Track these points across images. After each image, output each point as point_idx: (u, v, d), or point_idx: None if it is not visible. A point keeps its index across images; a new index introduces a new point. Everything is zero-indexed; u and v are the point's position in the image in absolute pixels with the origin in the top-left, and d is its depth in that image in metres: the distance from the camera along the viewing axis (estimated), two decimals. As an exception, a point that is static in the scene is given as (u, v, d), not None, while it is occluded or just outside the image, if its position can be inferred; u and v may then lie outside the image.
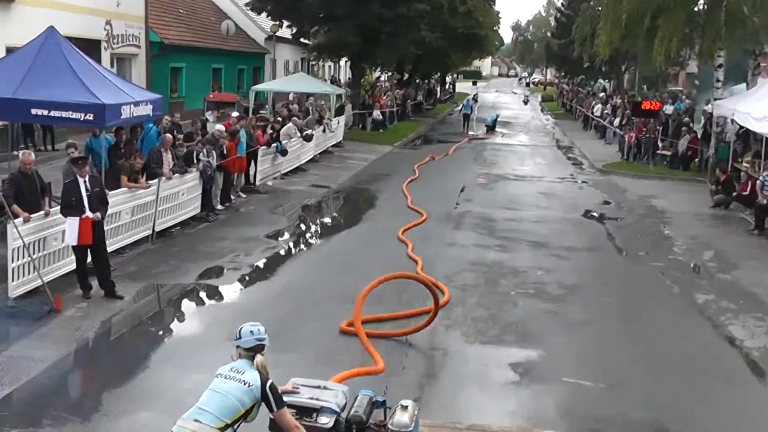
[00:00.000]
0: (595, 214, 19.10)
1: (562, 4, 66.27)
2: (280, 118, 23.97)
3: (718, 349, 10.05)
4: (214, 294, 11.29)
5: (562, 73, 76.84)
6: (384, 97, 39.90)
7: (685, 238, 16.50)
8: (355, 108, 35.10)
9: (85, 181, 10.34)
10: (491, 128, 40.24)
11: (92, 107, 11.43)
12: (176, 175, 14.59)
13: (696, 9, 26.29)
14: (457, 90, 78.33)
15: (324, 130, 26.70)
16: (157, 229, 13.79)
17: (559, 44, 62.24)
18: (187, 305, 10.84)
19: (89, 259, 10.62)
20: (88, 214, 10.26)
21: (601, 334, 10.30)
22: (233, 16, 40.99)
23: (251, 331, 5.22)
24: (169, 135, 15.35)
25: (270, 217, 16.65)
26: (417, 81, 57.29)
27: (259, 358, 5.18)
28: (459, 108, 48.36)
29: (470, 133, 39.50)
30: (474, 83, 70.08)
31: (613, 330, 10.50)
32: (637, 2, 25.12)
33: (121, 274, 11.49)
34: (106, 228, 11.23)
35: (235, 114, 21.12)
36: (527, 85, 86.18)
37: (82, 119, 11.42)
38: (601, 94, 49.78)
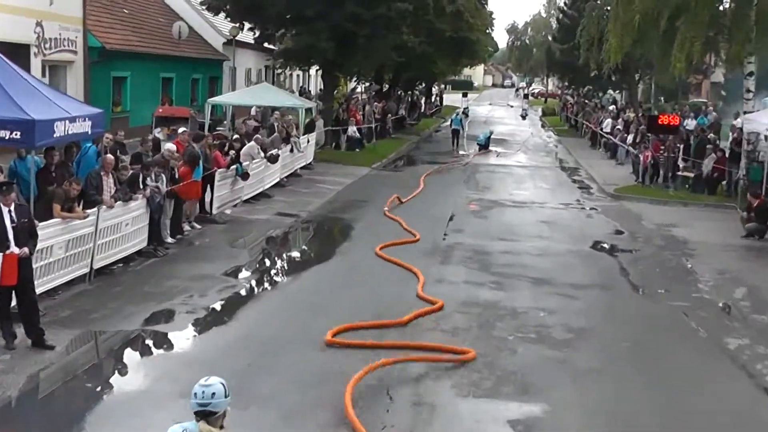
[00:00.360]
0: (605, 245, 19.21)
1: (565, 4, 66.78)
2: (237, 135, 24.05)
3: (754, 402, 10.03)
4: (163, 342, 11.25)
5: (566, 83, 77.11)
6: (361, 112, 39.95)
7: (712, 273, 16.54)
8: (327, 124, 35.05)
9: (9, 211, 10.25)
10: (484, 147, 40.55)
11: (19, 124, 11.32)
12: (119, 202, 14.51)
13: (721, 8, 26.44)
14: (444, 103, 78.68)
15: (291, 150, 26.66)
16: (96, 266, 13.72)
17: (562, 49, 62.50)
18: (130, 356, 10.78)
19: (14, 303, 10.48)
20: (14, 249, 10.18)
21: (614, 386, 10.29)
22: (186, 17, 41.38)
23: (195, 393, 5.15)
24: (110, 156, 15.27)
25: (229, 251, 16.64)
26: (398, 93, 57.44)
27: (202, 426, 5.09)
28: (447, 123, 48.68)
29: (460, 152, 39.84)
30: (464, 95, 70.00)
31: (629, 381, 10.48)
32: (652, 0, 25.29)
33: (52, 319, 11.38)
34: (34, 265, 11.07)
35: (182, 130, 21.13)
36: (525, 96, 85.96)
37: (7, 138, 11.32)
38: (611, 107, 50.10)
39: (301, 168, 28.43)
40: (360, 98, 49.08)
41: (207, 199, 19.48)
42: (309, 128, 31.29)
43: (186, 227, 17.99)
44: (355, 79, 53.58)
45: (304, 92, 51.99)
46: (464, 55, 57.40)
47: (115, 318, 11.91)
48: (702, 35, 24.95)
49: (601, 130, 41.69)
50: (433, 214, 21.86)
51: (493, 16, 65.38)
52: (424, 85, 70.99)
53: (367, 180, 28.73)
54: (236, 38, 39.67)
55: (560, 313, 13.26)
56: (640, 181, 28.64)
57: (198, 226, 18.50)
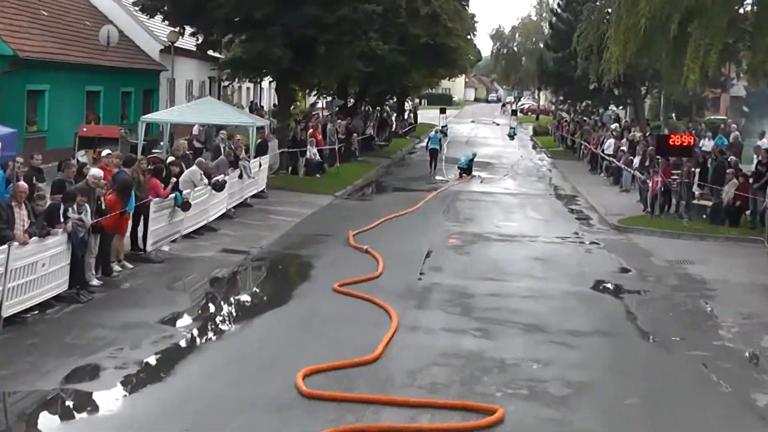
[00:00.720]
0: (609, 285, 19.31)
1: (559, 5, 67.38)
2: (173, 158, 23.92)
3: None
4: (87, 403, 11.08)
5: (561, 98, 77.87)
6: (322, 131, 39.66)
7: (735, 318, 16.67)
8: (282, 145, 34.99)
9: None
10: (466, 171, 40.85)
11: None
12: (34, 238, 14.39)
13: (742, 11, 27.00)
14: (419, 120, 79.21)
15: (240, 176, 26.64)
16: (6, 314, 13.57)
17: (556, 58, 63.11)
18: (47, 420, 10.60)
19: None
20: None
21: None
22: (116, 20, 41.36)
23: None
24: (23, 183, 15.12)
25: (165, 295, 16.61)
26: (366, 109, 57.66)
27: None
28: (423, 143, 49.22)
29: (438, 177, 40.23)
30: (442, 111, 70.37)
31: (638, 445, 10.59)
32: (661, 1, 25.47)
33: (-47, 377, 11.45)
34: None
35: (106, 152, 20.92)
36: (513, 113, 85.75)
37: None
38: (614, 126, 50.32)
39: (252, 197, 28.29)
40: (321, 115, 48.97)
41: (140, 233, 19.29)
42: (261, 150, 31.11)
43: (115, 267, 17.79)
44: (315, 92, 54.21)
45: (255, 108, 52.70)
46: (442, 65, 57.42)
47: (29, 375, 11.72)
48: (719, 42, 25.08)
49: (603, 151, 41.87)
50: (407, 250, 21.88)
51: (475, 19, 65.67)
52: (395, 99, 71.36)
53: (329, 211, 28.74)
54: (175, 45, 39.68)
55: (556, 365, 13.23)
56: (649, 210, 28.64)
57: (129, 266, 18.31)
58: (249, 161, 27.97)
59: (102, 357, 12.61)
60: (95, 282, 16.61)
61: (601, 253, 23.16)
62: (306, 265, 20.25)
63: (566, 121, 64.79)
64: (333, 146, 39.36)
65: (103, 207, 16.93)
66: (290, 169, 35.58)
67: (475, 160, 42.86)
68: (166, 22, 36.30)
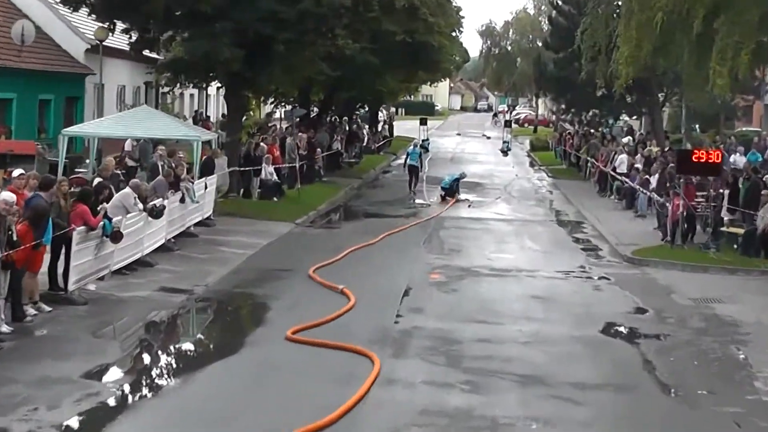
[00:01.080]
0: (622, 329, 19.43)
1: (559, -5, 69.80)
2: (101, 178, 23.67)
3: None
4: (-6, 476, 11.25)
5: (563, 106, 77.33)
6: (280, 146, 39.90)
7: (774, 367, 17.36)
8: (233, 164, 34.99)
9: None
10: (450, 192, 41.15)
11: None
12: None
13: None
14: (396, 132, 79.07)
15: (182, 200, 26.59)
16: None
17: (557, 59, 63.54)
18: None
19: None
20: None
21: None
22: (33, 14, 41.06)
23: None
24: None
25: (91, 343, 16.45)
26: (332, 120, 57.97)
27: None
28: (403, 160, 48.76)
29: (418, 201, 40.58)
30: (422, 122, 68.99)
31: None
32: (680, -8, 26.19)
33: None
34: None
35: (17, 172, 20.58)
36: (507, 124, 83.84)
37: None
38: (626, 139, 50.93)
39: (197, 225, 28.40)
40: (279, 127, 49.56)
41: (60, 269, 18.97)
42: (207, 169, 31.14)
43: (29, 310, 17.57)
44: (271, 100, 54.40)
45: (200, 119, 52.40)
46: (422, 67, 57.57)
47: (-77, 442, 11.84)
48: (751, 40, 25.26)
49: (613, 169, 41.87)
50: (381, 288, 22.04)
51: (461, 13, 65.13)
52: (367, 109, 71.66)
53: (289, 241, 28.92)
54: (104, 43, 39.58)
55: (560, 425, 13.22)
56: (669, 239, 28.58)
57: (47, 309, 18.05)
58: (192, 182, 27.73)
59: (12, 420, 12.37)
60: (4, 328, 16.35)
61: (612, 290, 23.25)
62: (261, 306, 20.24)
63: (569, 133, 65.16)
64: (293, 164, 39.30)
65: (15, 238, 16.64)
66: (242, 191, 35.54)
67: (462, 179, 42.72)
68: (93, 17, 35.98)
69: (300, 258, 25.20)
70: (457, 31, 65.61)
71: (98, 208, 20.41)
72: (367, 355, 15.85)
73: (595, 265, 26.63)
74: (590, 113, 70.54)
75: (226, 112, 42.77)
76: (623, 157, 41.92)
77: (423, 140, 63.13)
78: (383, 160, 61.18)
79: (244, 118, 40.22)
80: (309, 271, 23.03)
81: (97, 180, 23.64)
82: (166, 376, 15.64)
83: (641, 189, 35.89)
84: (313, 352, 16.49)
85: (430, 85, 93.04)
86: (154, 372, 15.81)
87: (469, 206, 39.62)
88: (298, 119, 49.14)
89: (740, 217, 28.07)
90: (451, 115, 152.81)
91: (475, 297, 21.85)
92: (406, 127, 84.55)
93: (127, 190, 23.03)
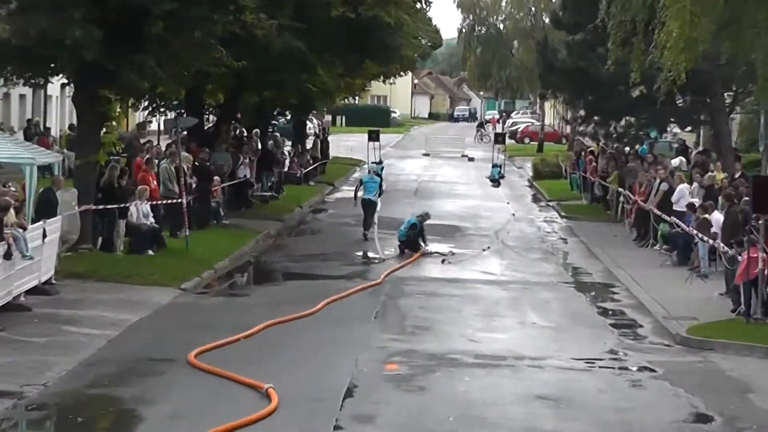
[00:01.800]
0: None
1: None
2: None
3: None
4: None
5: (581, 113, 73.06)
6: (157, 173, 38.23)
7: None
8: (87, 200, 33.11)
9: None
10: (410, 244, 40.00)
11: None
12: None
13: None
14: (333, 152, 77.70)
15: (7, 255, 25.76)
16: None
17: (573, 44, 60.81)
18: None
19: None
20: None
21: None
22: None
23: None
24: None
25: None
26: (237, 133, 56.08)
27: None
28: (353, 192, 47.70)
29: (371, 254, 39.75)
30: (372, 137, 68.89)
31: None
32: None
33: None
34: None
35: None
36: (499, 140, 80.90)
37: None
38: (677, 161, 49.98)
39: (30, 292, 27.51)
40: (158, 144, 47.77)
41: None
42: (46, 208, 30.11)
43: None
44: (145, 104, 52.18)
45: (36, 132, 53.58)
46: (371, 56, 54.82)
47: None
48: None
49: (659, 206, 40.00)
50: (312, 384, 21.51)
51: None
52: (289, 117, 69.89)
53: (171, 316, 27.94)
54: None
55: None
56: (743, 310, 27.55)
57: None
58: (24, 229, 27.17)
59: None
60: None
61: (658, 387, 22.50)
62: (127, 415, 19.60)
63: (592, 153, 62.90)
64: (177, 199, 37.56)
65: None
66: (100, 241, 33.95)
67: (428, 223, 41.75)
68: None
69: (187, 341, 24.15)
70: (423, 2, 63.30)
71: None
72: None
73: (632, 350, 25.75)
74: (622, 123, 66.16)
75: (75, 123, 42.25)
76: (683, 188, 39.88)
77: (375, 162, 62.35)
78: (314, 193, 59.30)
79: (104, 130, 38.23)
80: (191, 358, 22.63)
81: None
82: None
83: (700, 235, 34.58)
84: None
85: (384, 82, 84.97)
86: None
87: (443, 261, 38.65)
88: (184, 132, 46.24)
89: None
90: (416, 126, 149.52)
91: (451, 398, 21.10)
92: (348, 143, 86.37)
93: None
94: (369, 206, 43.04)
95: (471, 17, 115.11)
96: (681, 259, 36.55)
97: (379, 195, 44.76)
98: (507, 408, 20.79)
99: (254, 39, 38.58)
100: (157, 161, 39.62)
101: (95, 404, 20.50)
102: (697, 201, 37.33)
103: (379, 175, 47.94)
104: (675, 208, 38.64)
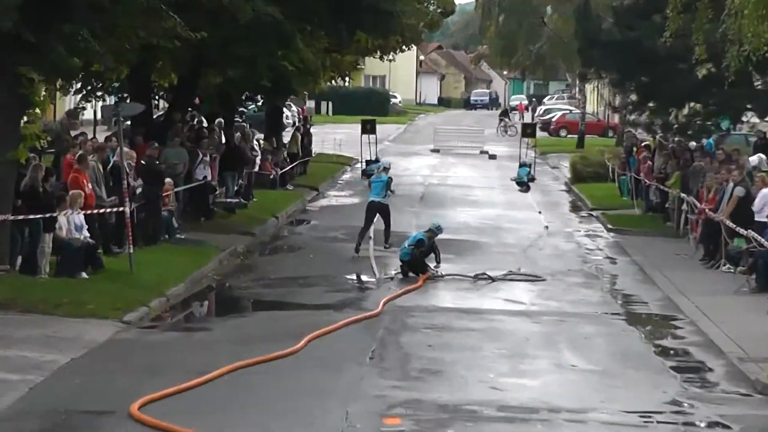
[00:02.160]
0: None
1: None
2: None
3: None
4: None
5: (632, 98, 71.51)
6: (94, 174, 35.70)
7: None
8: (4, 207, 32.00)
9: None
10: (415, 265, 38.29)
11: None
12: None
13: None
14: (316, 147, 74.03)
15: None
16: None
17: (620, 10, 58.14)
18: None
19: None
20: None
21: None
22: None
23: None
24: None
25: None
26: (195, 123, 53.61)
27: None
28: (334, 199, 46.90)
29: (366, 277, 37.82)
30: (367, 128, 66.54)
31: None
32: None
33: None
34: None
35: None
36: (527, 132, 79.55)
37: None
38: (756, 159, 47.77)
39: None
40: (93, 137, 46.20)
41: None
42: None
43: None
44: (77, 86, 49.51)
45: None
46: (364, 25, 51.80)
47: None
48: None
49: (732, 216, 37.44)
50: None
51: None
52: (261, 103, 67.15)
53: (110, 356, 26.68)
54: None
55: None
56: None
57: None
58: None
59: None
60: None
61: None
62: None
63: (647, 148, 61.09)
64: (118, 207, 36.36)
65: None
66: (20, 260, 32.28)
67: (437, 238, 40.23)
68: None
69: (130, 389, 23.19)
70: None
71: None
72: None
73: (700, 401, 24.56)
74: (685, 111, 63.68)
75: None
76: (765, 193, 38.33)
77: (370, 161, 60.73)
78: (292, 199, 57.22)
79: (25, 120, 36.58)
80: (134, 410, 21.72)
81: None
82: None
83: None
84: None
85: (382, 59, 79.16)
86: None
87: (477, 281, 36.94)
88: (127, 122, 45.44)
89: None
90: (421, 114, 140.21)
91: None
92: (336, 135, 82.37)
93: None
94: (375, 211, 41.41)
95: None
96: (762, 284, 34.52)
97: (386, 196, 43.13)
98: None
99: (219, 5, 36.15)
100: (92, 159, 37.32)
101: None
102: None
103: (387, 169, 46.67)
104: (756, 218, 36.71)
